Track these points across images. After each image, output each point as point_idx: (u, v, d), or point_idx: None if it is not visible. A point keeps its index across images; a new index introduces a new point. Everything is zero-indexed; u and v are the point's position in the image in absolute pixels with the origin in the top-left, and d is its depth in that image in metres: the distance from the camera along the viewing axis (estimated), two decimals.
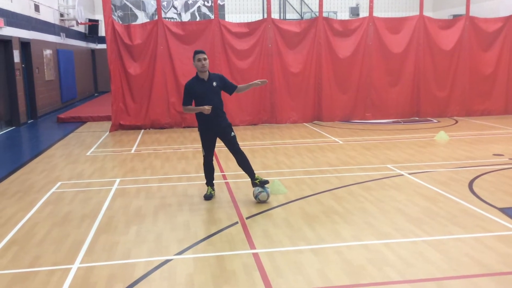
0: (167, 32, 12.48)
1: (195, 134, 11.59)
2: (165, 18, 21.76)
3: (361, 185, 7.00)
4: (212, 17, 20.73)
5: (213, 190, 6.57)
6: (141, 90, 12.56)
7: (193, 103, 6.32)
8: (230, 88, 6.46)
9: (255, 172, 6.43)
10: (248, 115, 13.05)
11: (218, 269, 4.36)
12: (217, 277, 4.21)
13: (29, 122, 14.41)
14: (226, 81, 6.47)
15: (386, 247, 4.75)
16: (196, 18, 24.47)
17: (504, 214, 5.61)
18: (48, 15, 16.83)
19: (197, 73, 6.28)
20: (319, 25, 12.99)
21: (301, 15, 24.42)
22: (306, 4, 24.47)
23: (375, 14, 13.65)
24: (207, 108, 6.08)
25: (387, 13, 22.51)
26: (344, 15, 24.31)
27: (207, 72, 6.26)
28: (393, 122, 13.17)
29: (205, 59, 6.16)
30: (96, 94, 24.24)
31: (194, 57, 6.20)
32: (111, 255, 4.73)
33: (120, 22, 20.01)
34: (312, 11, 24.00)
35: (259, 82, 6.41)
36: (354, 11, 24.52)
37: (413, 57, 13.43)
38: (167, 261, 4.57)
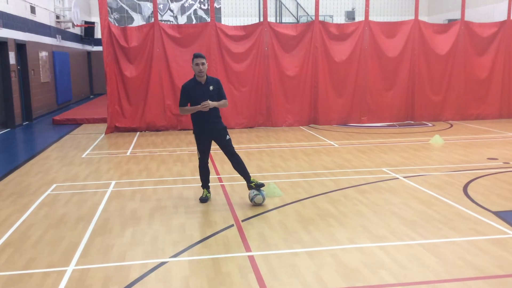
0: (163, 34, 12.48)
1: (190, 136, 11.58)
2: (161, 20, 21.78)
3: (356, 188, 7.02)
4: (208, 20, 20.75)
5: (209, 192, 6.57)
6: (137, 92, 12.55)
7: (189, 105, 6.32)
8: (220, 98, 6.36)
9: (250, 175, 6.44)
10: (244, 118, 13.06)
11: (214, 272, 4.36)
12: (213, 280, 4.21)
13: (24, 124, 14.36)
14: (221, 89, 6.39)
15: (381, 250, 4.76)
16: (192, 21, 24.50)
17: (498, 218, 5.64)
18: (44, 17, 16.80)
19: (194, 75, 6.28)
20: (315, 29, 13.03)
21: (297, 19, 24.50)
22: (302, 7, 24.55)
23: (370, 18, 13.71)
24: (205, 105, 6.06)
25: (382, 17, 22.61)
26: (340, 19, 24.40)
27: (205, 76, 6.27)
28: (389, 125, 13.22)
29: (203, 64, 6.11)
30: (91, 96, 24.20)
31: (192, 60, 6.17)
32: (106, 258, 4.72)
33: (116, 25, 19.99)
34: (308, 14, 24.08)
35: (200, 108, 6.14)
36: (350, 15, 24.61)
37: (408, 61, 13.49)
38: (162, 263, 4.57)
